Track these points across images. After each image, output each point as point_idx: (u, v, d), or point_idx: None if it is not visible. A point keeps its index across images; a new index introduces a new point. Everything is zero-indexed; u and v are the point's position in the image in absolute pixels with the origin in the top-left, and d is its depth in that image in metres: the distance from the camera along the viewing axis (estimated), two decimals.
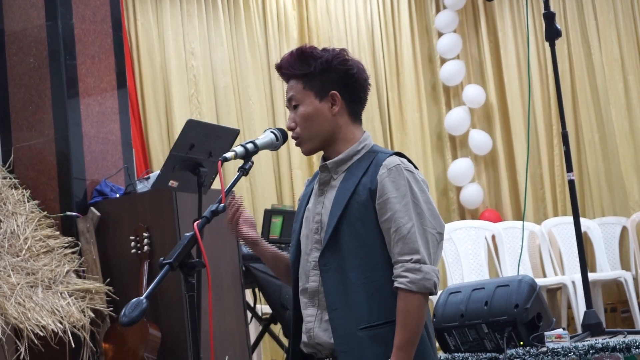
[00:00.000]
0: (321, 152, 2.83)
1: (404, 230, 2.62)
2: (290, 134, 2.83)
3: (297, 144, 2.80)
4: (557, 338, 4.08)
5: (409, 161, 2.75)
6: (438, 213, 2.72)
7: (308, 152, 2.81)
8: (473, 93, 8.89)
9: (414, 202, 2.65)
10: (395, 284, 2.60)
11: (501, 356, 4.12)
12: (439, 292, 4.38)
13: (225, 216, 2.79)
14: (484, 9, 9.13)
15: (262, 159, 8.00)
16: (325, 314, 2.69)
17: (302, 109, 2.75)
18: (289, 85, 2.79)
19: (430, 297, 2.66)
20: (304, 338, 2.75)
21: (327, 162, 2.77)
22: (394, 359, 2.56)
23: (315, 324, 2.71)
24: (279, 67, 2.80)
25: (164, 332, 4.93)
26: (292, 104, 2.77)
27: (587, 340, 4.25)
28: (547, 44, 4.92)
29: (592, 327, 4.54)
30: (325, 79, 2.74)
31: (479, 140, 8.85)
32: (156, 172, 5.12)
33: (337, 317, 2.65)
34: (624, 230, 8.17)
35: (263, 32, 8.40)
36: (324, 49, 2.78)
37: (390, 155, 2.72)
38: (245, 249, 5.53)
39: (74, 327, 4.74)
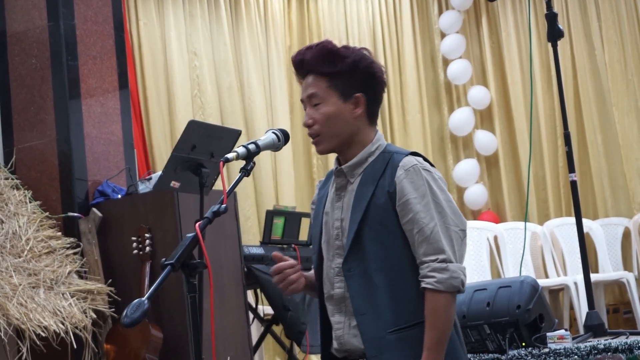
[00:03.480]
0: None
1: (427, 230, 2.59)
2: (306, 131, 2.78)
3: (314, 142, 2.76)
4: (559, 339, 4.08)
5: (425, 160, 2.72)
6: (459, 210, 2.69)
7: (324, 152, 2.76)
8: (478, 94, 8.88)
9: (434, 201, 2.63)
10: (423, 285, 2.58)
11: (503, 357, 4.12)
12: None
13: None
14: (486, 9, 9.13)
15: (264, 159, 8.00)
16: (353, 320, 2.67)
17: (325, 108, 2.70)
18: (308, 81, 2.73)
19: None
20: (335, 345, 2.73)
21: (343, 167, 2.74)
22: None
23: (344, 330, 2.70)
24: (301, 62, 2.74)
25: (166, 333, 4.93)
26: (313, 102, 2.72)
27: (589, 341, 4.25)
28: (549, 45, 4.91)
29: (594, 328, 4.54)
30: (352, 80, 2.70)
31: (484, 140, 8.84)
32: (158, 173, 5.12)
33: (365, 322, 2.63)
34: (627, 231, 8.17)
35: (265, 32, 8.39)
36: (346, 47, 2.75)
37: (406, 155, 2.70)
38: (247, 250, 5.53)
39: (76, 327, 4.74)
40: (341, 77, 2.70)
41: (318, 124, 2.72)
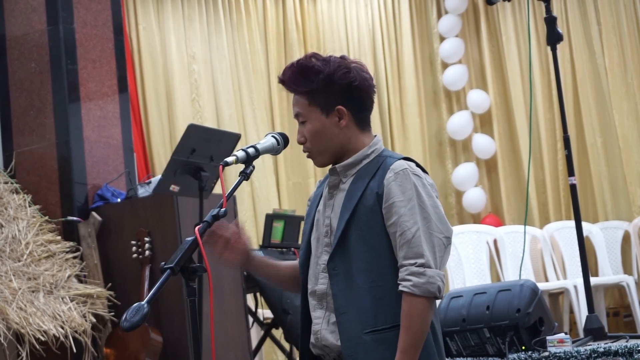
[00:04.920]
0: None
1: (409, 234, 2.61)
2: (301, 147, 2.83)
3: (308, 157, 2.81)
4: (559, 342, 4.07)
5: (418, 165, 2.74)
6: (445, 217, 2.71)
7: (321, 165, 2.82)
8: (477, 98, 8.89)
9: (420, 206, 2.65)
10: (400, 288, 2.60)
11: None
12: None
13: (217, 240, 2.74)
14: (485, 13, 9.13)
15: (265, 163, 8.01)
16: (333, 316, 2.69)
17: (310, 125, 2.75)
18: (294, 99, 2.78)
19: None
20: (312, 339, 2.76)
21: (337, 166, 2.77)
22: None
23: (322, 325, 2.72)
24: (282, 82, 2.78)
25: (166, 337, 4.93)
26: (300, 120, 2.77)
27: (589, 345, 4.24)
28: (549, 48, 4.91)
29: (594, 331, 4.53)
30: (329, 94, 2.72)
31: (482, 144, 8.85)
32: (157, 177, 5.12)
33: (345, 321, 2.66)
34: (626, 234, 8.16)
35: (264, 37, 8.40)
36: (324, 60, 2.75)
37: (399, 159, 2.72)
38: None
39: (76, 332, 4.74)
40: (319, 93, 2.72)
41: (308, 141, 2.77)
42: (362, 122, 2.78)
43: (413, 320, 2.58)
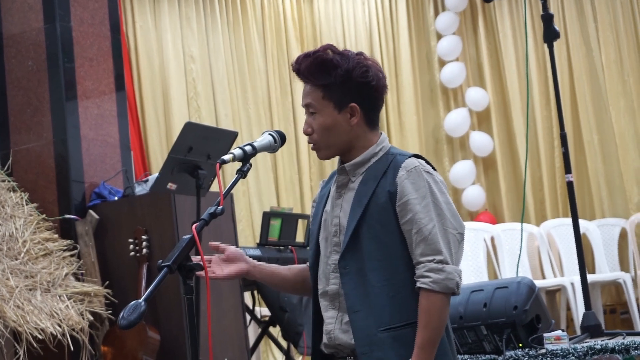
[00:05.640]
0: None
1: (426, 231, 2.62)
2: (306, 138, 2.81)
3: (313, 149, 2.79)
4: (556, 340, 4.08)
5: (427, 163, 2.74)
6: (458, 214, 2.71)
7: (324, 158, 2.81)
8: (475, 95, 8.90)
9: (434, 203, 2.65)
10: (418, 284, 2.60)
11: (500, 358, 4.11)
12: None
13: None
14: (482, 10, 9.14)
15: (260, 161, 8.01)
16: (346, 316, 2.69)
17: (321, 119, 2.73)
18: (306, 89, 2.76)
19: None
20: (325, 339, 2.75)
21: (345, 165, 2.76)
22: (415, 359, 2.56)
23: (335, 325, 2.72)
24: (297, 71, 2.76)
25: (163, 335, 4.93)
26: (310, 111, 2.75)
27: (586, 342, 4.24)
28: (546, 46, 4.91)
29: (591, 328, 4.53)
30: (345, 90, 2.71)
31: (480, 142, 8.85)
32: (155, 175, 5.11)
33: (358, 319, 2.65)
34: (623, 231, 8.17)
35: (261, 35, 8.40)
36: (342, 55, 2.75)
37: (409, 157, 2.72)
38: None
39: (73, 330, 4.74)
40: (335, 88, 2.71)
41: (316, 133, 2.75)
42: (372, 121, 2.78)
43: (431, 316, 2.58)
